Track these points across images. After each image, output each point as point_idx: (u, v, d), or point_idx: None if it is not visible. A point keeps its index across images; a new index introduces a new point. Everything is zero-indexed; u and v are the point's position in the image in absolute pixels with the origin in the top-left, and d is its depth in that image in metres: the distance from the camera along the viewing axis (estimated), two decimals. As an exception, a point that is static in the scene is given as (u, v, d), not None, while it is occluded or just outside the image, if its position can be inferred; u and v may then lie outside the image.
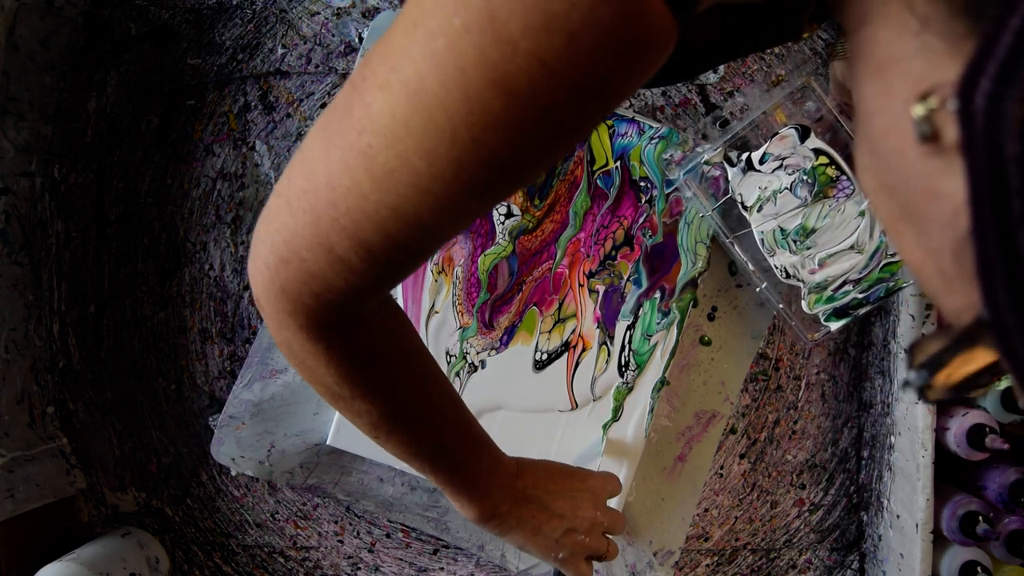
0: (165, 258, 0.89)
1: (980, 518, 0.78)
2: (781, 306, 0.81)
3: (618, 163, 0.83)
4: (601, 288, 0.83)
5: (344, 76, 0.88)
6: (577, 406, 0.82)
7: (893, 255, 0.79)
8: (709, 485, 0.91)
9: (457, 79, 0.27)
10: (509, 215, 0.82)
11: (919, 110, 0.22)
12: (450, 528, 0.86)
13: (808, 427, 0.92)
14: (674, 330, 0.83)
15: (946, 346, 0.22)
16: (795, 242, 0.79)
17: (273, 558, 0.90)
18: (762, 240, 0.80)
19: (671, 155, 0.83)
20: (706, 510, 0.91)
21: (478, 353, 0.82)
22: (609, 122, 0.82)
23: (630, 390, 0.83)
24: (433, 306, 0.82)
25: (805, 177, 0.78)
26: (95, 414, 0.89)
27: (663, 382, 0.83)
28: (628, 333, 0.83)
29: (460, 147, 0.28)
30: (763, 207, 0.79)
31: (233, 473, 0.87)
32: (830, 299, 0.80)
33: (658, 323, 0.83)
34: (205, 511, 0.90)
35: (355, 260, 0.34)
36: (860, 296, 0.79)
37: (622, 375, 0.83)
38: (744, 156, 0.79)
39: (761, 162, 0.79)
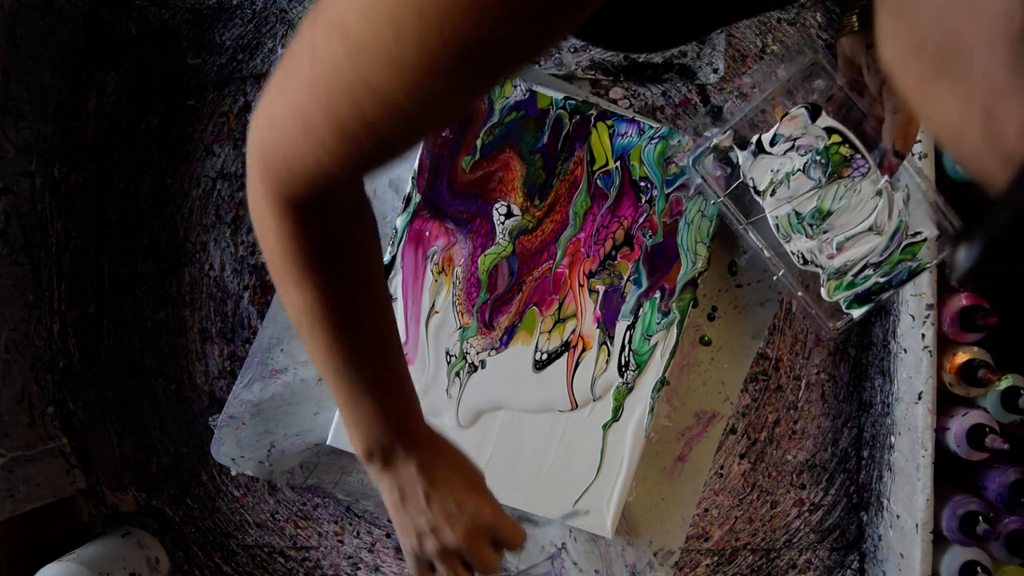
0: (165, 258, 0.89)
1: (980, 518, 0.78)
2: (800, 294, 0.78)
3: (618, 163, 0.83)
4: (601, 288, 0.83)
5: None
6: (577, 406, 0.82)
7: (914, 235, 0.76)
8: (709, 485, 0.91)
9: None
10: (509, 215, 0.82)
11: None
12: (450, 528, 0.86)
13: (808, 427, 0.92)
14: (674, 330, 0.83)
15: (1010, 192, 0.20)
16: (811, 226, 0.77)
17: (273, 558, 0.90)
18: (777, 225, 0.77)
19: (672, 153, 0.83)
20: (706, 510, 0.91)
21: (478, 353, 0.82)
22: (609, 122, 0.82)
23: (630, 390, 0.83)
24: (433, 306, 0.82)
25: (818, 157, 0.75)
26: (95, 414, 0.89)
27: (663, 382, 0.83)
28: (628, 333, 0.83)
29: (425, 25, 0.29)
30: (776, 191, 0.77)
31: (233, 473, 0.87)
32: (851, 285, 0.77)
33: (658, 323, 0.83)
34: (205, 511, 0.90)
35: (327, 136, 0.34)
36: (882, 280, 0.76)
37: (622, 375, 0.83)
38: (754, 138, 0.77)
39: (772, 144, 0.76)
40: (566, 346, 0.82)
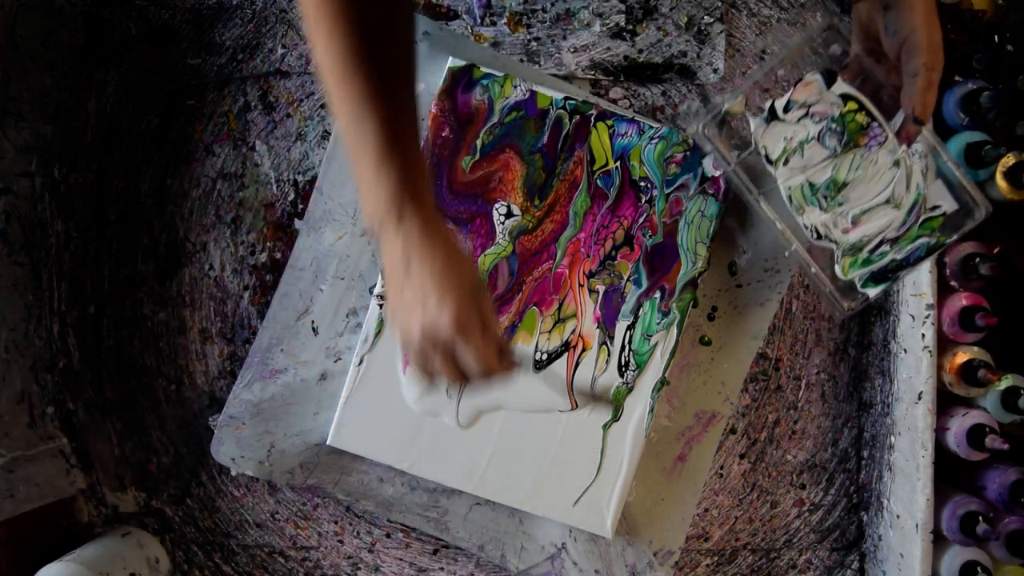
0: (165, 258, 0.89)
1: (980, 518, 0.78)
2: (814, 270, 0.74)
3: (618, 163, 0.83)
4: (601, 288, 0.83)
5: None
6: (577, 406, 0.82)
7: (933, 209, 0.72)
8: (709, 485, 0.91)
9: None
10: (509, 215, 0.82)
11: None
12: (450, 528, 0.86)
13: (808, 427, 0.92)
14: (674, 330, 0.83)
15: None
16: (825, 198, 0.73)
17: (273, 558, 0.90)
18: (789, 197, 0.74)
19: (671, 154, 0.83)
20: (706, 510, 0.91)
21: (478, 353, 0.82)
22: (609, 122, 0.82)
23: (630, 390, 0.83)
24: (433, 306, 0.82)
25: (833, 125, 0.72)
26: (95, 414, 0.89)
27: (663, 382, 0.83)
28: (628, 333, 0.83)
29: None
30: (789, 160, 0.73)
31: (233, 473, 0.87)
32: (867, 262, 0.73)
33: (658, 323, 0.83)
34: (205, 511, 0.90)
35: None
36: (899, 257, 0.73)
37: (622, 375, 0.83)
38: (767, 104, 0.73)
39: (785, 110, 0.73)
40: (566, 346, 0.82)
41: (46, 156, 0.87)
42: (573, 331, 0.82)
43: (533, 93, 0.82)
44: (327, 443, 0.82)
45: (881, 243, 0.73)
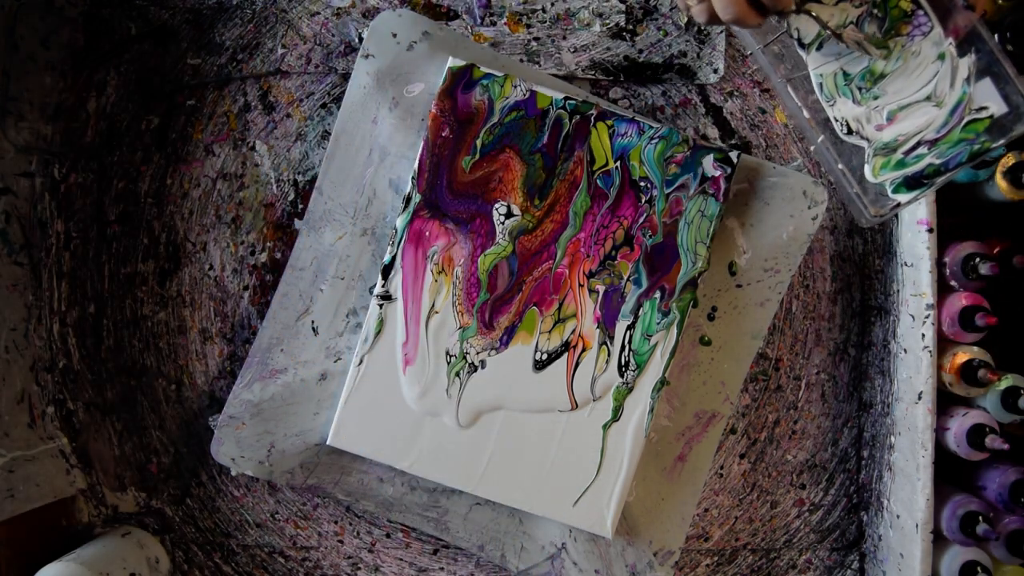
0: (165, 258, 0.89)
1: (980, 518, 0.78)
2: (840, 166, 0.68)
3: (618, 163, 0.83)
4: (601, 288, 0.83)
5: (344, 76, 0.88)
6: (577, 406, 0.82)
7: (979, 110, 0.65)
8: (709, 485, 0.91)
9: None
10: (509, 215, 0.82)
11: None
12: (450, 528, 0.86)
13: (808, 427, 0.92)
14: (674, 330, 0.83)
15: None
16: (860, 89, 0.66)
17: (273, 558, 0.90)
18: (820, 85, 0.67)
19: (671, 154, 0.83)
20: (706, 510, 0.91)
21: (478, 353, 0.82)
22: (609, 122, 0.83)
23: (630, 390, 0.83)
24: (433, 306, 0.82)
25: (875, 10, 0.65)
26: (95, 414, 0.89)
27: (663, 382, 0.83)
28: (628, 333, 0.83)
29: None
30: (823, 45, 0.67)
31: (233, 473, 0.87)
32: (900, 164, 0.66)
33: (658, 323, 0.83)
34: (205, 511, 0.90)
35: None
36: (937, 162, 0.65)
37: (622, 375, 0.83)
38: None
39: None
40: (566, 346, 0.82)
41: (46, 156, 0.87)
42: (573, 331, 0.82)
43: (533, 93, 0.82)
44: (327, 443, 0.82)
45: (919, 144, 0.66)
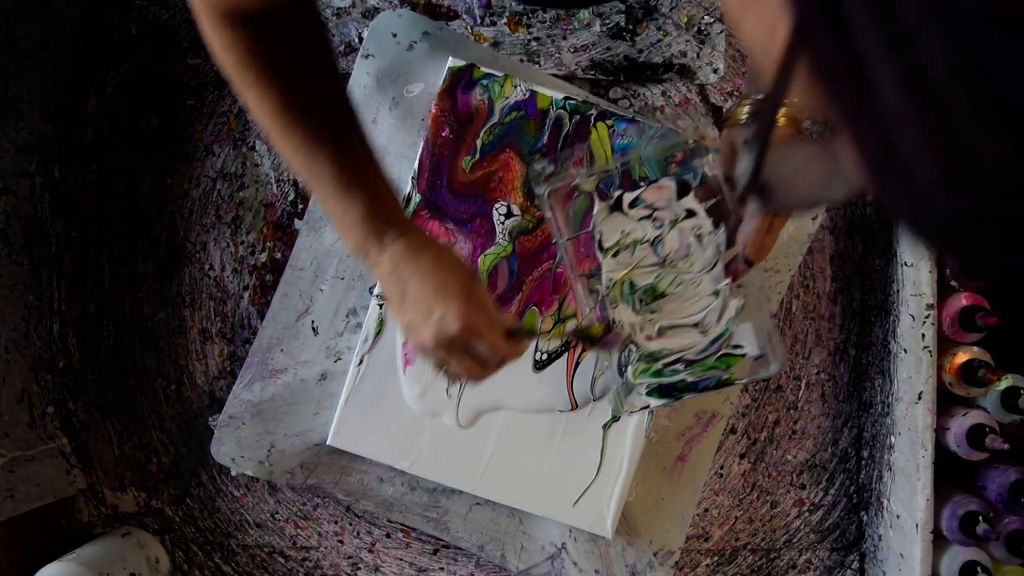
0: (165, 258, 0.89)
1: (980, 518, 0.78)
2: (615, 358, 0.76)
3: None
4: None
5: (344, 76, 0.88)
6: (577, 406, 0.82)
7: (735, 347, 0.74)
8: (709, 485, 0.91)
9: None
10: (509, 215, 0.82)
11: None
12: (450, 528, 0.86)
13: (808, 427, 0.92)
14: (674, 330, 0.83)
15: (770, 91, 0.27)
16: (641, 301, 0.75)
17: (273, 558, 0.90)
18: (608, 287, 0.75)
19: (672, 153, 0.83)
20: (706, 510, 0.91)
21: (478, 353, 0.82)
22: (609, 122, 0.82)
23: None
24: (433, 306, 0.82)
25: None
26: (95, 414, 0.89)
27: (663, 382, 0.83)
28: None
29: None
30: (619, 254, 0.75)
31: (233, 473, 0.87)
32: (658, 373, 0.75)
33: (658, 323, 0.83)
34: (205, 511, 0.90)
35: None
36: (689, 380, 0.74)
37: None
38: (616, 194, 0.75)
39: (632, 205, 0.75)
40: (566, 346, 0.82)
41: (46, 156, 0.87)
42: (573, 331, 0.83)
43: (533, 93, 0.82)
44: (327, 443, 0.82)
45: (678, 360, 0.75)
